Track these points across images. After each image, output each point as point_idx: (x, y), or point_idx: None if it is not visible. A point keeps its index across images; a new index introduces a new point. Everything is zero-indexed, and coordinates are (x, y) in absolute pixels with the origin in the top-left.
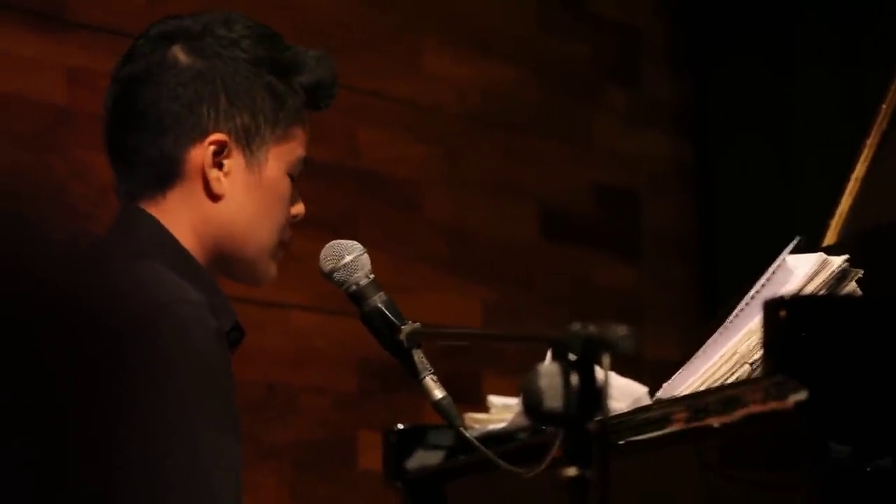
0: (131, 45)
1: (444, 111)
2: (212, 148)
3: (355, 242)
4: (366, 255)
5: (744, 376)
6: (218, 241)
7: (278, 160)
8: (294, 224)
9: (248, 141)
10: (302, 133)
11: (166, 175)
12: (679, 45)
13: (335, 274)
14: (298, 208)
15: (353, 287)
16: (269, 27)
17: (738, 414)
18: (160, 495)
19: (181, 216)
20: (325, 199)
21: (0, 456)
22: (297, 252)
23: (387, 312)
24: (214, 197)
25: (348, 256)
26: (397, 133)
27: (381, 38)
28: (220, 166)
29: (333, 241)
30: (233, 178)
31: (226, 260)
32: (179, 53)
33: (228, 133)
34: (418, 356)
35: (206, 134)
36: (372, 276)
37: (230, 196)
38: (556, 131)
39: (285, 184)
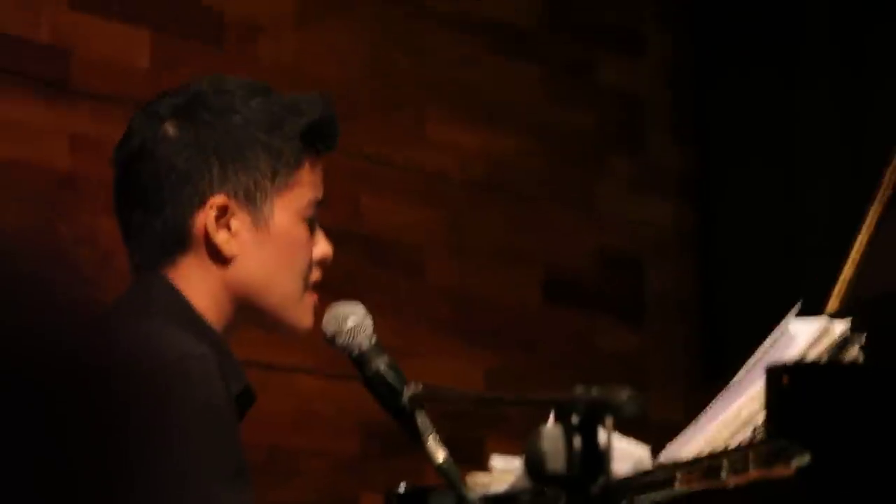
0: (129, 123)
1: (448, 178)
2: (213, 212)
3: (359, 305)
4: (369, 318)
5: (746, 441)
6: (240, 301)
7: (286, 209)
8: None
9: (250, 198)
10: (308, 176)
11: (175, 245)
12: (683, 113)
13: (338, 338)
14: (322, 249)
15: (356, 351)
16: (261, 83)
17: (740, 478)
18: None
19: (195, 281)
20: (330, 264)
21: None
22: None
23: (388, 378)
24: (226, 259)
25: (352, 320)
26: (401, 199)
27: (386, 105)
28: (226, 228)
29: (336, 304)
30: (242, 237)
31: (255, 315)
32: (170, 127)
33: (227, 195)
34: (421, 418)
35: (205, 199)
36: (375, 339)
37: (242, 255)
38: (560, 198)
39: (299, 230)
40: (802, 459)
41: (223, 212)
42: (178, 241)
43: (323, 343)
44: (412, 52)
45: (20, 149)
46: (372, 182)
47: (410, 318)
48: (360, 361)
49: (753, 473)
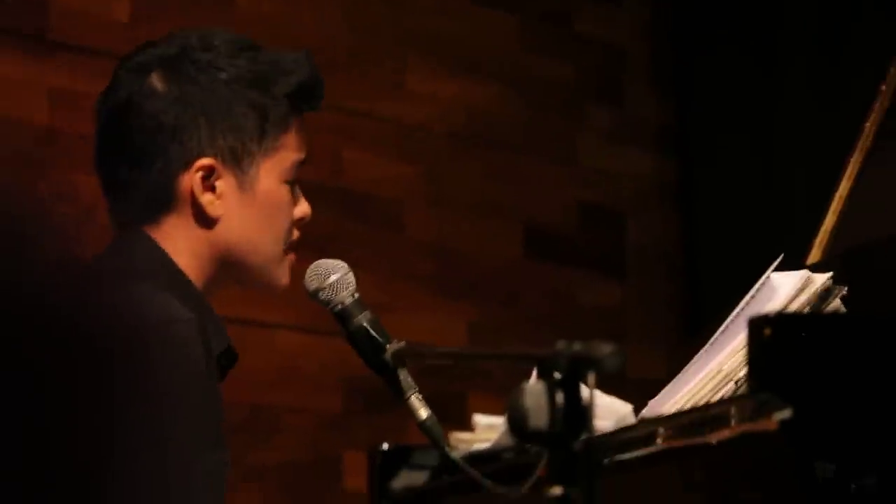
0: (112, 74)
1: (428, 130)
2: (199, 173)
3: (340, 261)
4: (351, 274)
5: (728, 394)
6: (222, 260)
7: (271, 172)
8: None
9: (236, 161)
10: (294, 138)
11: (159, 204)
12: (662, 63)
13: (320, 293)
14: (303, 209)
15: (339, 306)
16: (246, 38)
17: (723, 432)
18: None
19: (178, 241)
20: (310, 219)
21: None
22: None
23: (372, 331)
24: (210, 220)
25: (333, 275)
26: (381, 153)
27: (366, 58)
28: (211, 189)
29: (318, 261)
30: (226, 199)
31: (235, 272)
32: (157, 81)
33: (214, 156)
34: (403, 375)
35: (192, 160)
36: (357, 294)
37: (227, 217)
38: (540, 150)
39: (282, 192)
40: (784, 413)
41: (209, 173)
42: (164, 200)
43: (305, 299)
44: (390, 4)
45: None
46: (351, 136)
47: (391, 272)
48: (342, 316)
49: (736, 428)
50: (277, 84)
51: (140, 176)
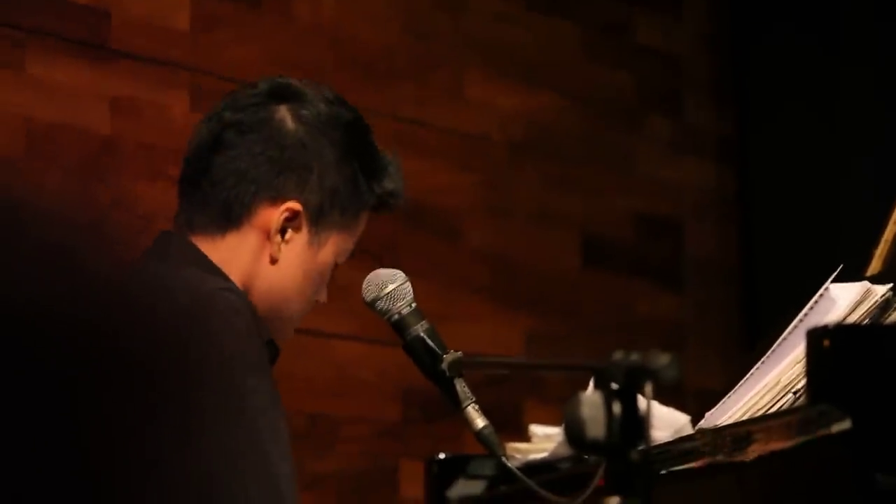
0: (235, 92)
1: (487, 140)
2: (285, 214)
3: (398, 271)
4: (408, 284)
5: (787, 406)
6: (256, 298)
7: (334, 246)
8: None
9: (318, 220)
10: (359, 230)
11: (232, 219)
12: (722, 73)
13: (378, 303)
14: (324, 294)
15: (396, 316)
16: (364, 120)
17: (782, 444)
18: (226, 478)
19: (233, 260)
20: (368, 227)
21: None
22: (340, 281)
23: (429, 341)
24: (269, 259)
25: (391, 285)
26: (440, 162)
27: (425, 67)
28: (284, 232)
29: (376, 270)
30: (292, 248)
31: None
32: (287, 117)
33: (304, 206)
34: (460, 385)
35: (285, 198)
36: (414, 304)
37: (283, 264)
38: (599, 160)
39: (330, 269)
40: (844, 424)
41: (293, 217)
42: (237, 217)
43: (363, 308)
44: (450, 12)
45: (60, 112)
46: (409, 144)
47: (448, 282)
48: (399, 326)
49: (794, 439)
50: (379, 178)
51: (231, 187)
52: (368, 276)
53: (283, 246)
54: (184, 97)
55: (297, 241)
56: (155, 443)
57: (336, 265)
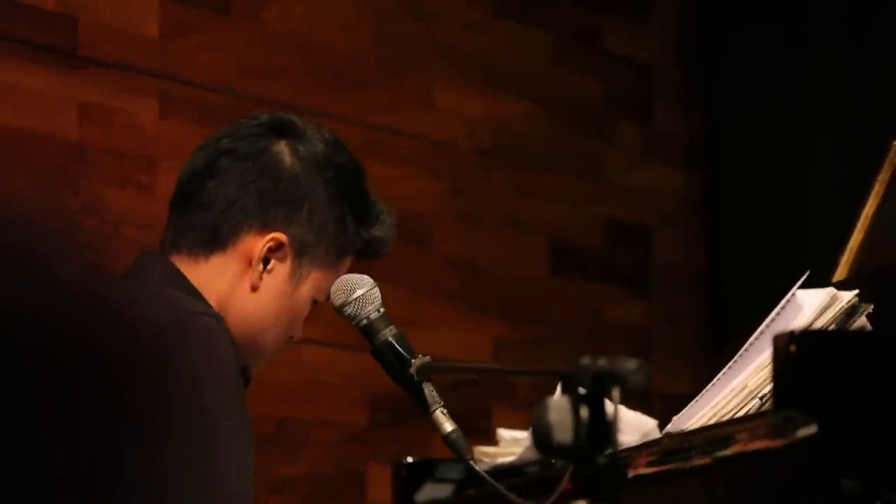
0: (237, 121)
1: (456, 147)
2: (270, 243)
3: (366, 276)
4: (376, 289)
5: (753, 410)
6: (232, 324)
7: (314, 283)
8: None
9: (301, 254)
10: (342, 271)
11: (217, 243)
12: (691, 80)
13: (346, 308)
14: (300, 331)
15: (364, 321)
16: (361, 165)
17: (747, 448)
18: (179, 496)
19: (212, 283)
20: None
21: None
22: None
23: (397, 346)
24: (249, 286)
25: (359, 290)
26: (409, 168)
27: (394, 74)
28: (266, 262)
29: (344, 275)
30: (273, 278)
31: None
32: (285, 152)
33: (290, 240)
34: (428, 389)
35: (271, 228)
36: (382, 310)
37: (262, 292)
38: (568, 167)
39: (308, 306)
40: (809, 429)
41: (277, 247)
42: (222, 241)
43: (331, 314)
44: (419, 19)
45: (28, 118)
46: (379, 151)
47: (417, 288)
48: (367, 331)
49: (761, 444)
50: (369, 225)
51: (220, 212)
52: (337, 282)
53: (264, 275)
54: (153, 104)
55: (279, 273)
56: (114, 453)
57: (315, 303)
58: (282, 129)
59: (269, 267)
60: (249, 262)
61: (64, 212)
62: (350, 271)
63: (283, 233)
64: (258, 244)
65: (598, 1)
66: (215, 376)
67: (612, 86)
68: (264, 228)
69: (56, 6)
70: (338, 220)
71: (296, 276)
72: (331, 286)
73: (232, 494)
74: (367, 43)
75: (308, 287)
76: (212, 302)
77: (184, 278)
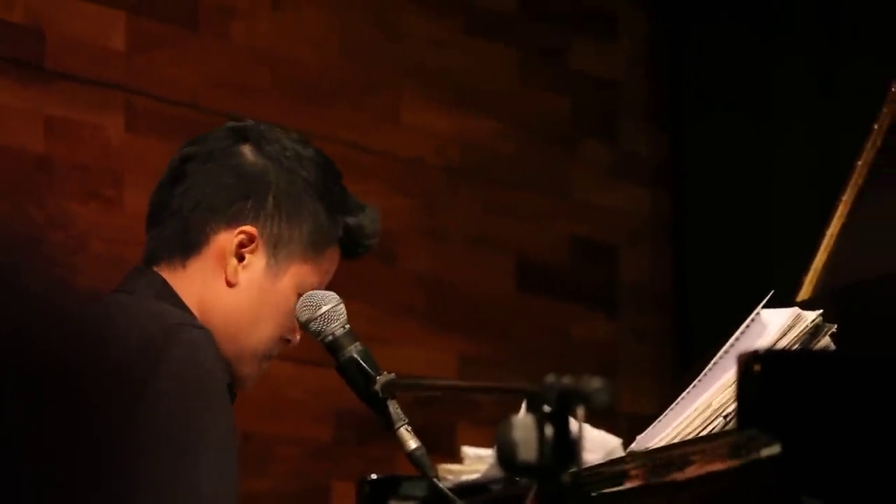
0: (205, 132)
1: (423, 164)
2: (240, 237)
3: (332, 293)
4: (342, 306)
5: (718, 429)
6: (215, 325)
7: (294, 277)
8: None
9: (276, 247)
10: (326, 265)
11: (191, 247)
12: (658, 100)
13: (311, 324)
14: (296, 336)
15: (329, 337)
16: (335, 164)
17: (710, 467)
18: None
19: (192, 288)
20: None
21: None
22: None
23: (362, 363)
24: (226, 283)
25: (325, 307)
26: (376, 185)
27: (362, 90)
28: (241, 258)
29: (310, 292)
30: (249, 273)
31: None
32: (248, 150)
33: (261, 232)
34: (393, 407)
35: (241, 223)
36: (348, 326)
37: (240, 288)
38: (534, 185)
39: (292, 301)
40: (773, 448)
41: (249, 241)
42: (196, 245)
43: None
44: (387, 36)
45: None
46: (346, 167)
47: (383, 304)
48: (333, 348)
49: (724, 463)
50: (344, 213)
51: (188, 217)
52: (302, 297)
53: (239, 270)
54: (119, 118)
55: (255, 267)
56: (89, 466)
57: None
58: (246, 133)
59: (244, 263)
60: (223, 260)
61: (30, 225)
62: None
63: (252, 226)
64: (229, 241)
65: (564, 19)
66: (199, 389)
67: (579, 103)
68: (232, 224)
69: (22, 19)
70: (310, 211)
71: (273, 270)
72: (315, 281)
73: None
74: (335, 59)
75: (289, 282)
76: (193, 307)
77: (168, 288)
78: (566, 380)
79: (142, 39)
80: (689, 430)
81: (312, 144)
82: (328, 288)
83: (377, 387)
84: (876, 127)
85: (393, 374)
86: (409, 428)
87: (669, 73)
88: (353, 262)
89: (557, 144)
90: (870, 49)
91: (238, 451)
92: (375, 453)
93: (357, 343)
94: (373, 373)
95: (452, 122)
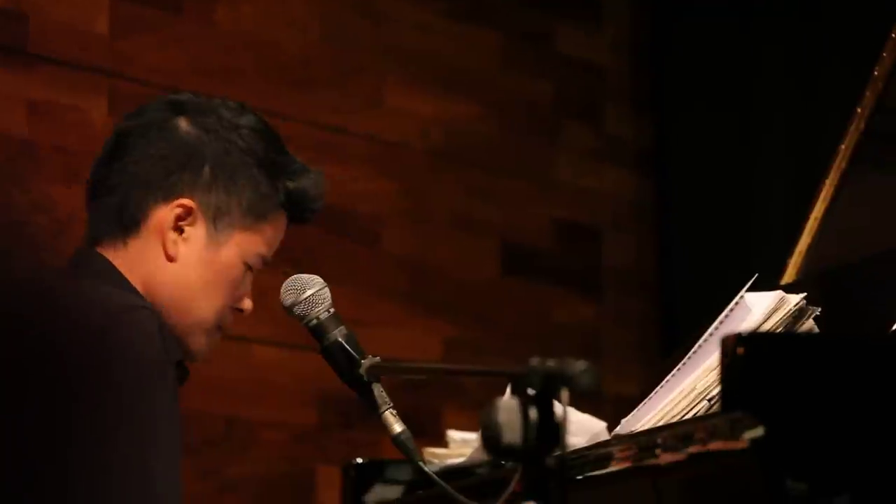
0: (144, 104)
1: (406, 147)
2: (177, 211)
3: (316, 276)
4: (327, 290)
5: (702, 412)
6: (161, 301)
7: (238, 246)
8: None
9: (216, 218)
10: (271, 232)
11: (130, 224)
12: (641, 84)
13: (296, 308)
14: (247, 302)
15: (314, 321)
16: (276, 130)
17: (694, 450)
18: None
19: (135, 266)
20: (288, 233)
21: None
22: (258, 286)
23: (347, 346)
24: (167, 257)
25: (309, 290)
26: (360, 169)
27: (345, 74)
28: (180, 231)
29: (295, 275)
30: (190, 245)
31: (163, 318)
32: (182, 122)
33: (199, 204)
34: (378, 390)
35: (177, 196)
36: (332, 310)
37: (183, 261)
38: (518, 168)
39: (239, 271)
40: (756, 431)
41: (186, 213)
42: (134, 222)
43: (281, 313)
44: (370, 20)
45: None
46: (330, 151)
47: (367, 288)
48: (317, 331)
49: (708, 446)
50: (284, 178)
51: (124, 193)
52: (287, 281)
53: (179, 243)
54: (102, 102)
55: (195, 240)
56: (33, 451)
57: (251, 270)
58: (182, 105)
59: (183, 235)
60: (162, 235)
61: (13, 209)
62: (302, 270)
63: (189, 198)
64: (167, 214)
65: (549, 3)
66: (148, 372)
67: (563, 87)
68: (169, 197)
69: (6, 3)
70: (249, 178)
71: (214, 241)
72: (262, 249)
73: (157, 494)
74: (318, 43)
75: (232, 251)
76: (138, 285)
77: (112, 269)
78: (551, 363)
79: (125, 23)
80: (673, 413)
81: (251, 111)
82: (299, 264)
83: (362, 370)
84: (858, 110)
85: (378, 358)
86: (395, 412)
87: (653, 57)
88: (302, 226)
89: (541, 128)
90: (852, 32)
91: (218, 438)
92: (361, 437)
93: (342, 327)
94: (357, 356)
95: (436, 106)
